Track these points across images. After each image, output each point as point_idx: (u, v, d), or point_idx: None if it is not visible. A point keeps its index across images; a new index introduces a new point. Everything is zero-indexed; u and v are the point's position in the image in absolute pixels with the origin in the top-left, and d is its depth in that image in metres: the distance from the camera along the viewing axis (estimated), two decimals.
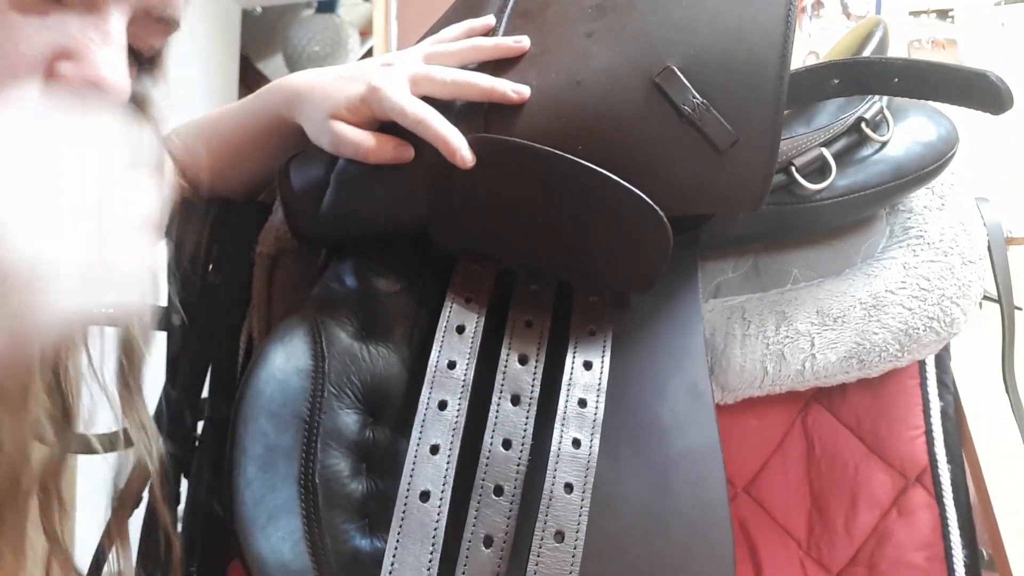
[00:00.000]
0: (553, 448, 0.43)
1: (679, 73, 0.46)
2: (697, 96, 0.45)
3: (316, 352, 0.47)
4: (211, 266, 0.62)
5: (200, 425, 0.62)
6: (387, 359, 0.48)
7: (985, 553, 0.61)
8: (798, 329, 0.55)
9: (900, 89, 0.53)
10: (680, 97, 0.46)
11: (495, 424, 0.44)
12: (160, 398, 0.63)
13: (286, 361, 0.46)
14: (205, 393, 0.62)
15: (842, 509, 0.58)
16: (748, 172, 0.46)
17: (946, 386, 0.59)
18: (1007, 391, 0.61)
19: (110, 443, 0.65)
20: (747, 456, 0.59)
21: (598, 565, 0.42)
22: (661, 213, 0.46)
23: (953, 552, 0.56)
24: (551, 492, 0.42)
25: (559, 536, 0.40)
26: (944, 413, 0.59)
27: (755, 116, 0.45)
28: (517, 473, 0.43)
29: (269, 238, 0.61)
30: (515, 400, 0.45)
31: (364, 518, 0.44)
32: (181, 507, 0.60)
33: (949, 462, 0.58)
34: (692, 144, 0.46)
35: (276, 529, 0.42)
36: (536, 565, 0.40)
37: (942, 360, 0.60)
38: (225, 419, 0.47)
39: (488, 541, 0.41)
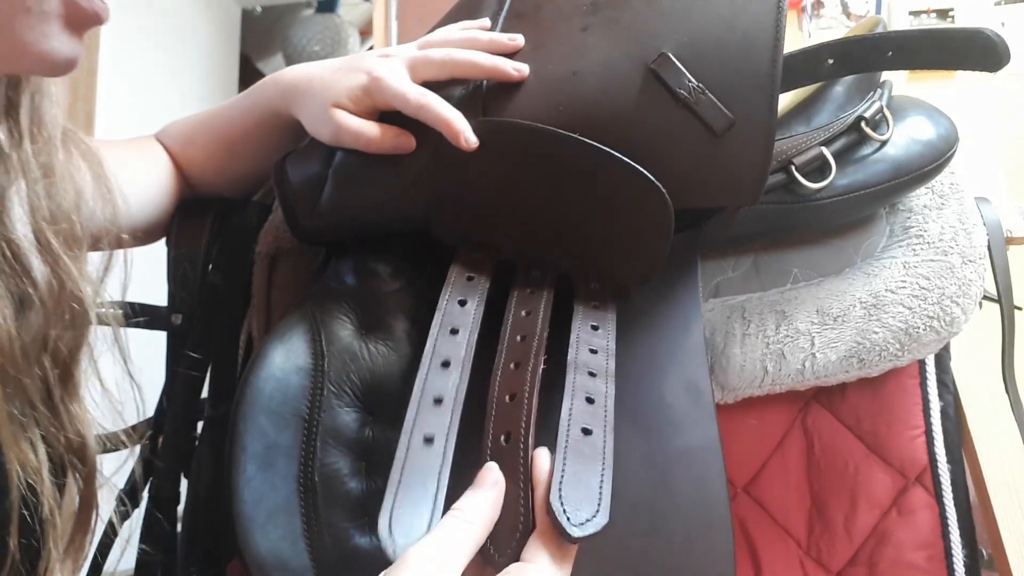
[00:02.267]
0: (568, 384, 0.42)
1: (674, 59, 0.46)
2: (692, 80, 0.46)
3: (316, 350, 0.47)
4: (211, 266, 0.62)
5: (200, 425, 0.62)
6: (387, 357, 0.48)
7: (985, 553, 0.61)
8: (798, 328, 0.55)
9: (896, 62, 0.53)
10: (675, 81, 0.46)
11: (504, 356, 0.43)
12: (160, 398, 0.63)
13: (286, 359, 0.46)
14: (205, 393, 0.62)
15: (842, 509, 0.58)
16: (746, 157, 0.46)
17: (946, 386, 0.59)
18: (1007, 391, 0.61)
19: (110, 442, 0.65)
20: (747, 456, 0.59)
21: (597, 563, 0.42)
22: (663, 189, 0.46)
23: (953, 552, 0.56)
24: (571, 406, 0.41)
25: (586, 432, 0.40)
26: (944, 413, 0.59)
27: (751, 99, 0.45)
28: (528, 384, 0.42)
29: (269, 238, 0.61)
30: (523, 338, 0.45)
31: (363, 517, 0.44)
32: (181, 507, 0.60)
33: (949, 462, 0.58)
34: (689, 128, 0.46)
35: (275, 528, 0.42)
36: (565, 453, 0.39)
37: (942, 360, 0.60)
38: (225, 418, 0.47)
39: (508, 437, 0.40)
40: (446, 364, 0.44)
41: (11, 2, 0.35)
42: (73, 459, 0.43)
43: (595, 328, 0.46)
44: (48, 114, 0.43)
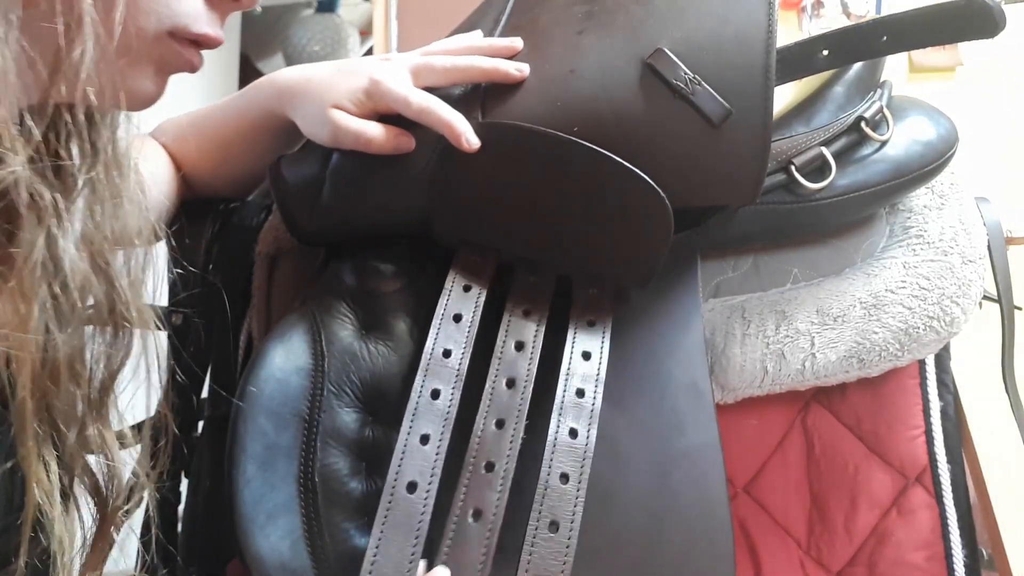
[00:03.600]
0: (550, 438, 0.43)
1: (669, 53, 0.46)
2: (688, 72, 0.46)
3: (316, 351, 0.47)
4: (211, 266, 0.62)
5: (200, 425, 0.61)
6: (387, 357, 0.48)
7: (985, 553, 0.61)
8: (798, 328, 0.55)
9: (891, 46, 0.53)
10: (671, 74, 0.46)
11: (488, 406, 0.44)
12: (160, 398, 0.63)
13: (286, 360, 0.46)
14: (205, 393, 0.62)
15: (842, 509, 0.58)
16: (744, 150, 0.46)
17: (946, 386, 0.59)
18: (1007, 391, 0.61)
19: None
20: (747, 456, 0.59)
21: (598, 563, 0.42)
22: (661, 193, 0.46)
23: (953, 552, 0.56)
24: (547, 482, 0.41)
25: (553, 526, 0.40)
26: (944, 413, 0.59)
27: (747, 89, 0.46)
28: (510, 450, 0.42)
29: (269, 238, 0.61)
30: (510, 383, 0.45)
31: (363, 517, 0.44)
32: (181, 507, 0.60)
33: (949, 462, 0.58)
34: (687, 121, 0.46)
35: (275, 528, 0.42)
36: (530, 555, 0.40)
37: (942, 360, 0.60)
38: (225, 418, 0.47)
39: (477, 514, 0.41)
40: (436, 394, 0.44)
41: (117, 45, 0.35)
42: (94, 488, 0.42)
43: (587, 356, 0.46)
44: (125, 137, 0.44)
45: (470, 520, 0.40)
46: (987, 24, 0.49)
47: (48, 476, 0.38)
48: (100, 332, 0.42)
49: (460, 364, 0.45)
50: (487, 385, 0.45)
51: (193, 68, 0.39)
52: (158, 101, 0.40)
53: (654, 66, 0.46)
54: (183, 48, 0.38)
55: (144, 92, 0.38)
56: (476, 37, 0.55)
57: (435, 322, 0.47)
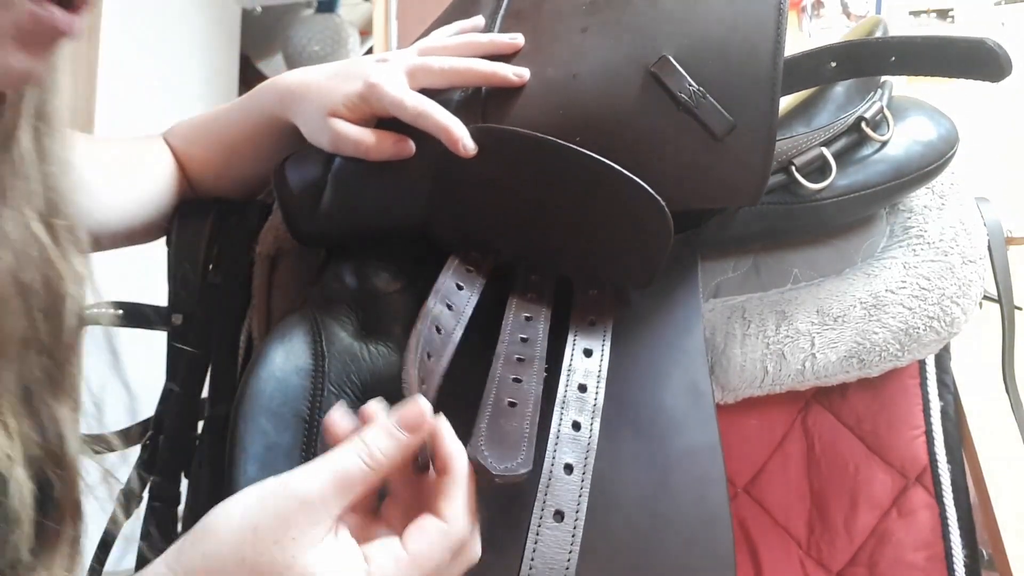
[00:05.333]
0: (553, 429, 0.42)
1: (674, 62, 0.46)
2: (693, 84, 0.46)
3: (316, 351, 0.47)
4: (211, 266, 0.62)
5: (200, 425, 0.62)
6: (387, 358, 0.48)
7: (985, 553, 0.61)
8: (798, 329, 0.55)
9: (898, 68, 0.53)
10: (676, 85, 0.46)
11: (497, 380, 0.43)
12: (160, 398, 0.63)
13: (286, 360, 0.46)
14: (205, 393, 0.62)
15: (842, 509, 0.58)
16: (747, 160, 0.46)
17: (946, 386, 0.59)
18: (1007, 391, 0.61)
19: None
20: (747, 456, 0.59)
21: (598, 564, 0.42)
22: (661, 201, 0.45)
23: (953, 552, 0.56)
24: (551, 472, 0.41)
25: (558, 516, 0.40)
26: (944, 413, 0.59)
27: (752, 102, 0.45)
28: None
29: (269, 238, 0.61)
30: (520, 359, 0.44)
31: None
32: (181, 507, 0.60)
33: (949, 462, 0.58)
34: (690, 132, 0.46)
35: None
36: (535, 543, 0.39)
37: (942, 360, 0.60)
38: (225, 419, 0.47)
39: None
40: (450, 308, 0.44)
41: None
42: (49, 461, 0.41)
43: (588, 353, 0.46)
44: (58, 109, 0.41)
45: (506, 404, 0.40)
46: (993, 69, 0.49)
47: (10, 441, 0.36)
48: (44, 309, 0.40)
49: (461, 318, 0.45)
50: (502, 332, 0.45)
51: (61, 32, 0.34)
52: (37, 78, 0.35)
53: (659, 76, 0.46)
54: (38, 7, 0.32)
55: (11, 71, 0.34)
56: (477, 31, 0.54)
57: (441, 279, 0.46)
